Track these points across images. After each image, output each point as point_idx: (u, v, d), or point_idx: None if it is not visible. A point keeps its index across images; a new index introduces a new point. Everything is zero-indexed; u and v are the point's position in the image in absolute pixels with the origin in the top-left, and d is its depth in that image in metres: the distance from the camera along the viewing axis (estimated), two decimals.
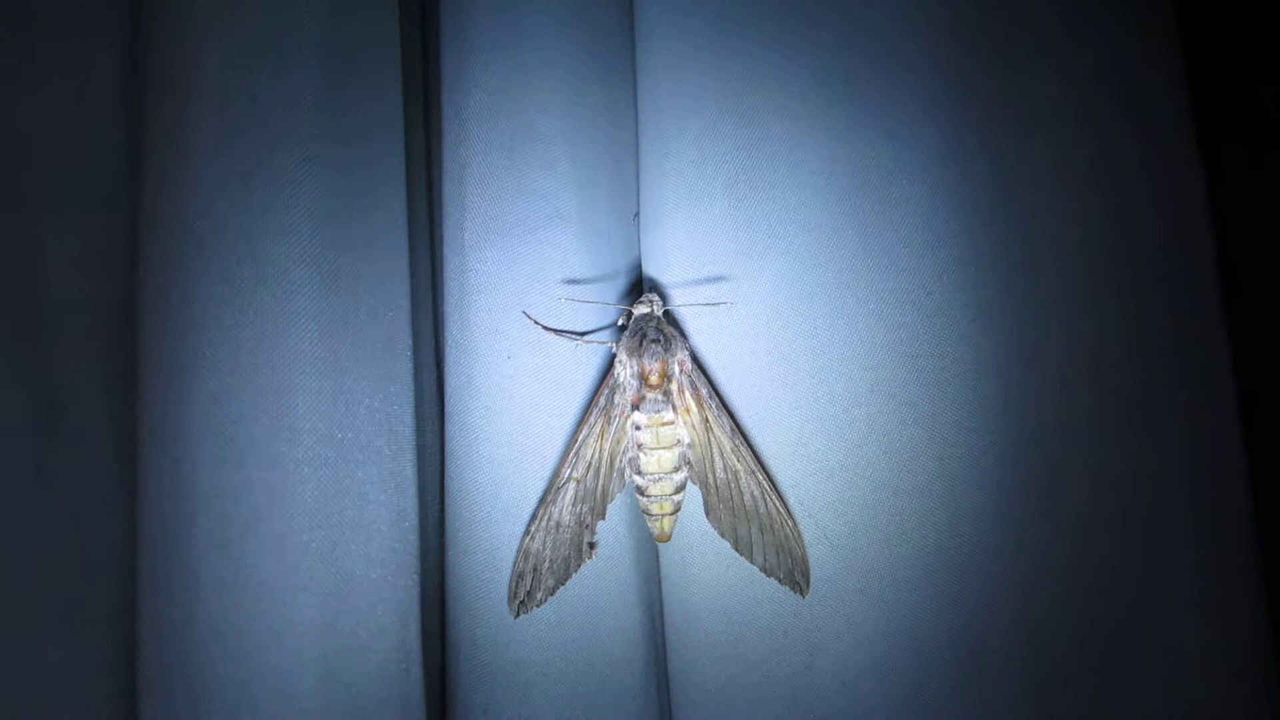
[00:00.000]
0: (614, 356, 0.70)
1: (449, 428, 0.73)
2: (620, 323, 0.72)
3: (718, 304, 0.70)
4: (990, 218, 0.70)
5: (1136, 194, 0.72)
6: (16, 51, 0.72)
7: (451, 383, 0.73)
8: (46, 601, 0.69)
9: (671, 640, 0.72)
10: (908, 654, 0.68)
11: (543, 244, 0.72)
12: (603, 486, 0.70)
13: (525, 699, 0.70)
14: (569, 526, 0.70)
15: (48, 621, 0.69)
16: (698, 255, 0.71)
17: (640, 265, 0.75)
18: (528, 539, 0.70)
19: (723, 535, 0.69)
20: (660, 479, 0.69)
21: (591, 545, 0.71)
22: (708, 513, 0.70)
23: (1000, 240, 0.70)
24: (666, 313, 0.71)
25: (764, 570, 0.68)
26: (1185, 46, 0.73)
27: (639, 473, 0.70)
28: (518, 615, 0.70)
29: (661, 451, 0.69)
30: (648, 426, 0.69)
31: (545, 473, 0.71)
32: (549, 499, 0.70)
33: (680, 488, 0.70)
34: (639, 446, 0.70)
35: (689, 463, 0.70)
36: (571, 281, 0.72)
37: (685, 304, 0.71)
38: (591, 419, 0.70)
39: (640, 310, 0.70)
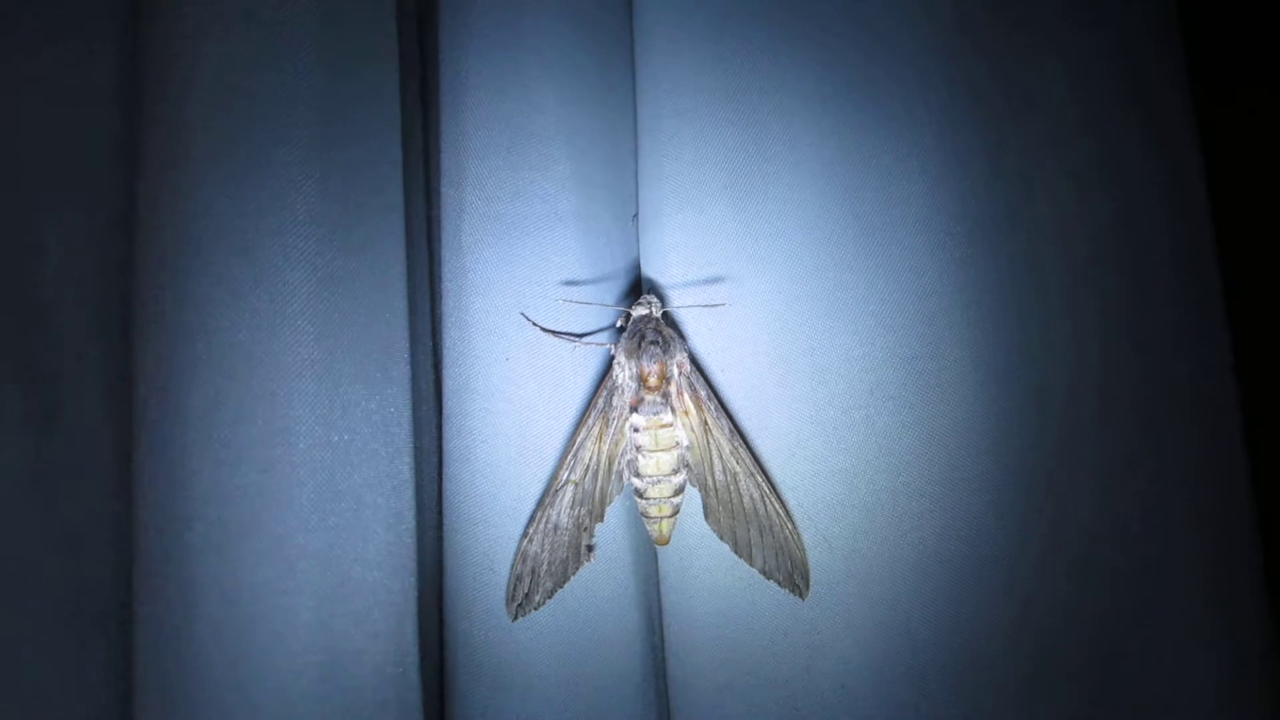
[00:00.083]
0: (612, 358, 0.70)
1: (447, 430, 0.73)
2: (619, 324, 0.72)
3: (716, 305, 0.70)
4: (991, 218, 0.70)
5: (1138, 194, 0.72)
6: (15, 51, 0.72)
7: (449, 384, 0.73)
8: (42, 603, 0.69)
9: (670, 643, 0.72)
10: (907, 656, 0.67)
11: (541, 245, 0.72)
12: (601, 489, 0.70)
13: (523, 702, 0.69)
14: (567, 529, 0.70)
15: (44, 624, 0.69)
16: (696, 256, 0.71)
17: (639, 266, 0.75)
18: (525, 541, 0.69)
19: (721, 538, 0.69)
20: (659, 481, 0.69)
21: (590, 548, 0.70)
22: (706, 515, 0.69)
23: (1001, 241, 0.70)
24: (665, 314, 0.71)
25: (763, 572, 0.68)
26: (1187, 44, 0.73)
27: (637, 475, 0.70)
28: (515, 618, 0.69)
29: (660, 454, 0.69)
30: (646, 429, 0.69)
31: (543, 475, 0.71)
32: (547, 501, 0.70)
33: (679, 490, 0.70)
34: (637, 449, 0.69)
35: (688, 465, 0.70)
36: (570, 283, 0.72)
37: (684, 305, 0.71)
38: (590, 421, 0.70)
39: (639, 312, 0.70)
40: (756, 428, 0.70)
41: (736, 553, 0.69)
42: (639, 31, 0.73)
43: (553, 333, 0.71)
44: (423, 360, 0.74)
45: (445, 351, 0.74)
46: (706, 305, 0.70)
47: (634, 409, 0.69)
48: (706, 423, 0.69)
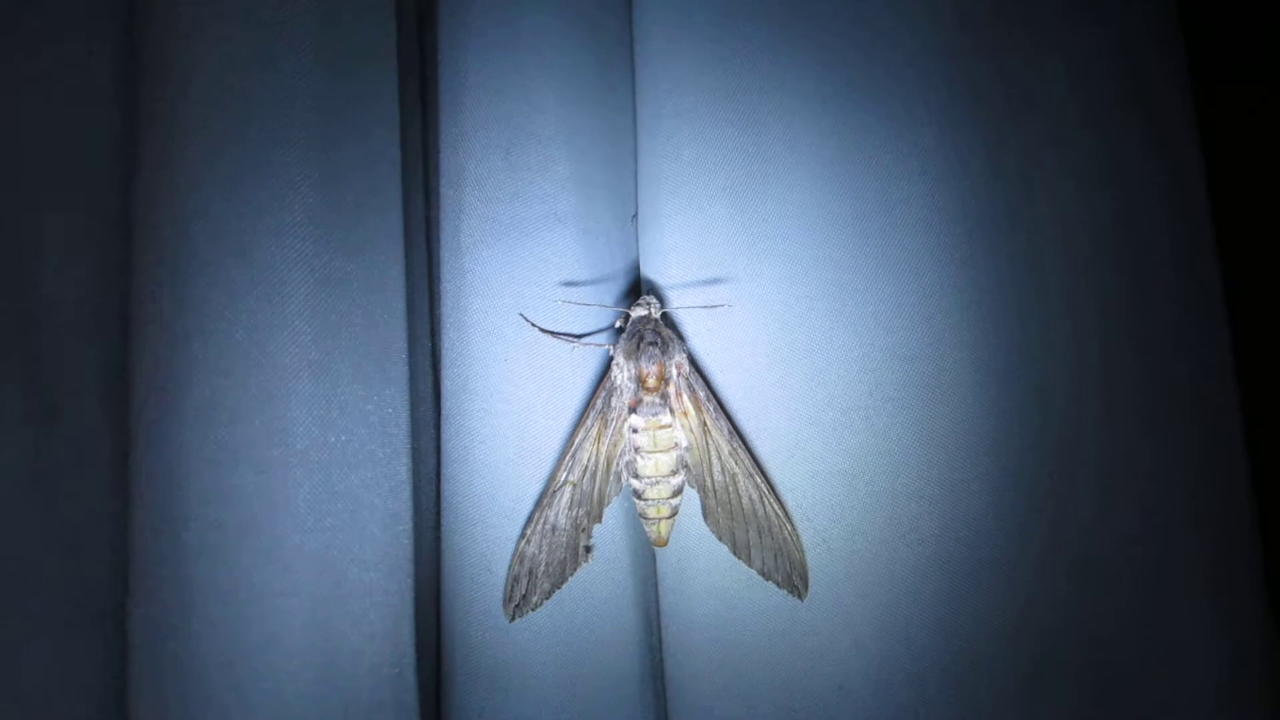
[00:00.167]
0: (611, 359, 0.70)
1: (445, 430, 0.73)
2: (618, 325, 0.71)
3: (716, 306, 0.70)
4: (991, 218, 0.70)
5: (1138, 193, 0.71)
6: (13, 51, 0.72)
7: (448, 385, 0.73)
8: (39, 603, 0.69)
9: (668, 644, 0.72)
10: (905, 658, 0.67)
11: (540, 246, 0.72)
12: (599, 490, 0.70)
13: (520, 703, 0.69)
14: (565, 530, 0.70)
15: (40, 624, 0.69)
16: (696, 257, 0.71)
17: (638, 267, 0.74)
18: (523, 542, 0.69)
19: (720, 539, 0.69)
20: (657, 482, 0.69)
21: (588, 549, 0.70)
22: (705, 516, 0.69)
23: (1001, 241, 0.70)
24: (664, 315, 0.70)
25: (762, 573, 0.68)
26: (1187, 44, 0.73)
27: (636, 476, 0.69)
28: (513, 619, 0.69)
29: (659, 455, 0.69)
30: (645, 429, 0.69)
31: (541, 476, 0.71)
32: (545, 502, 0.69)
33: (677, 491, 0.70)
34: (636, 450, 0.69)
35: (686, 466, 0.70)
36: (569, 283, 0.72)
37: (683, 306, 0.71)
38: (588, 422, 0.70)
39: (638, 312, 0.69)
40: (755, 429, 0.70)
41: (735, 554, 0.69)
42: (639, 31, 0.73)
43: (551, 333, 0.71)
44: (421, 361, 0.74)
45: (444, 352, 0.74)
46: (705, 306, 0.70)
47: (633, 410, 0.69)
48: (705, 424, 0.69)
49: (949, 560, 0.68)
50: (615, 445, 0.70)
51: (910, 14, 0.71)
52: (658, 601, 0.73)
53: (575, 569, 0.70)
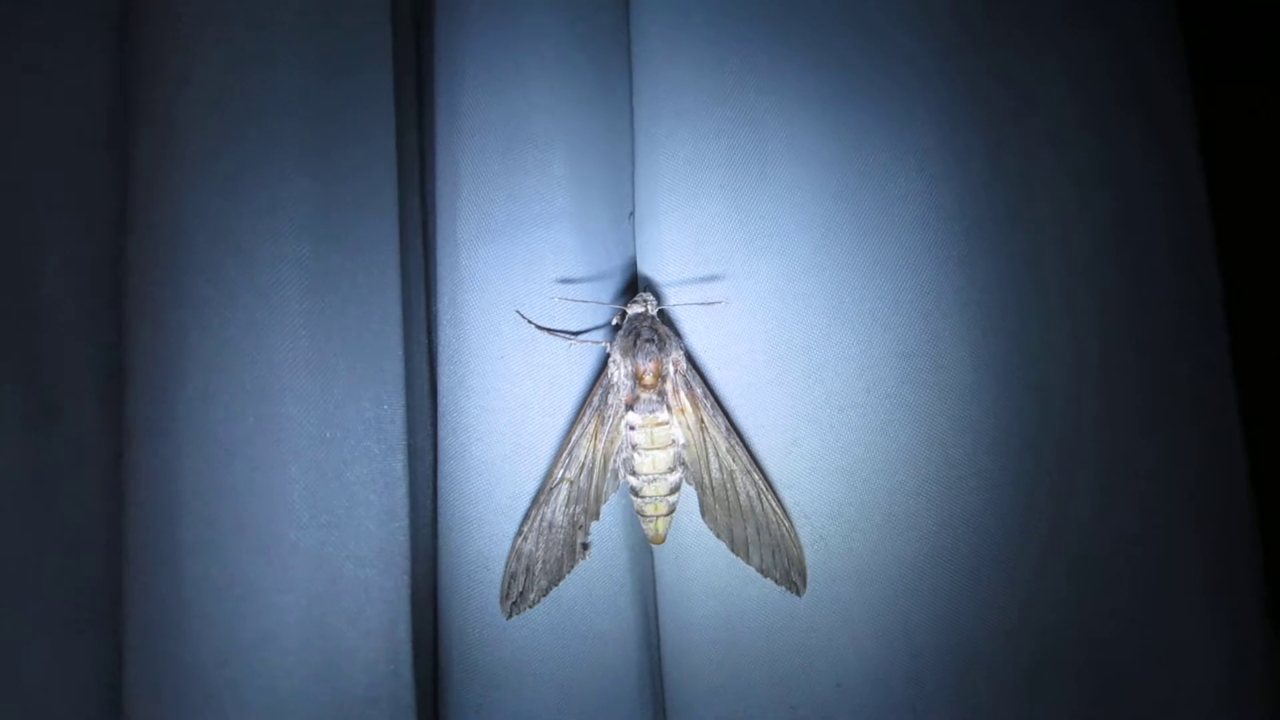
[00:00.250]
0: (608, 356, 0.70)
1: (442, 427, 0.73)
2: (614, 322, 0.71)
3: (713, 303, 0.70)
4: (989, 216, 0.70)
5: (1138, 193, 0.71)
6: (10, 52, 0.72)
7: (444, 382, 0.73)
8: (35, 601, 0.69)
9: (666, 641, 0.71)
10: (904, 656, 0.67)
11: (536, 243, 0.72)
12: (596, 487, 0.70)
13: (517, 701, 0.69)
14: (562, 527, 0.69)
15: (36, 622, 0.69)
16: (693, 254, 0.71)
17: (635, 264, 0.74)
18: (520, 539, 0.69)
19: (718, 536, 0.69)
20: (655, 479, 0.69)
21: (585, 546, 0.70)
22: (703, 513, 0.69)
23: (1000, 238, 0.69)
24: (661, 312, 0.70)
25: (760, 570, 0.68)
26: (1187, 44, 0.73)
27: (633, 473, 0.69)
28: (510, 616, 0.69)
29: (656, 452, 0.69)
30: (642, 427, 0.69)
31: (538, 473, 0.71)
32: (542, 499, 0.69)
33: (675, 488, 0.70)
34: (633, 447, 0.69)
35: (684, 463, 0.70)
36: (565, 281, 0.72)
37: (680, 303, 0.71)
38: (585, 419, 0.69)
39: (634, 309, 0.69)
40: (753, 425, 0.70)
41: (733, 551, 0.68)
42: (636, 30, 0.73)
43: (548, 331, 0.71)
44: (418, 358, 0.73)
45: (440, 349, 0.74)
46: (703, 303, 0.70)
47: (630, 407, 0.69)
48: (703, 421, 0.69)
49: (947, 557, 0.67)
50: (612, 442, 0.70)
51: (908, 10, 0.71)
52: (655, 599, 0.73)
53: (572, 566, 0.70)
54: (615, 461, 0.70)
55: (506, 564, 0.69)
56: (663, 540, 0.70)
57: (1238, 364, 0.71)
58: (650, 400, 0.69)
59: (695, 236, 0.70)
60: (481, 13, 0.74)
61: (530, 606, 0.69)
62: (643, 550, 0.73)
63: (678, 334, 0.70)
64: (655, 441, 0.69)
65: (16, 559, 0.68)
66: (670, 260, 0.71)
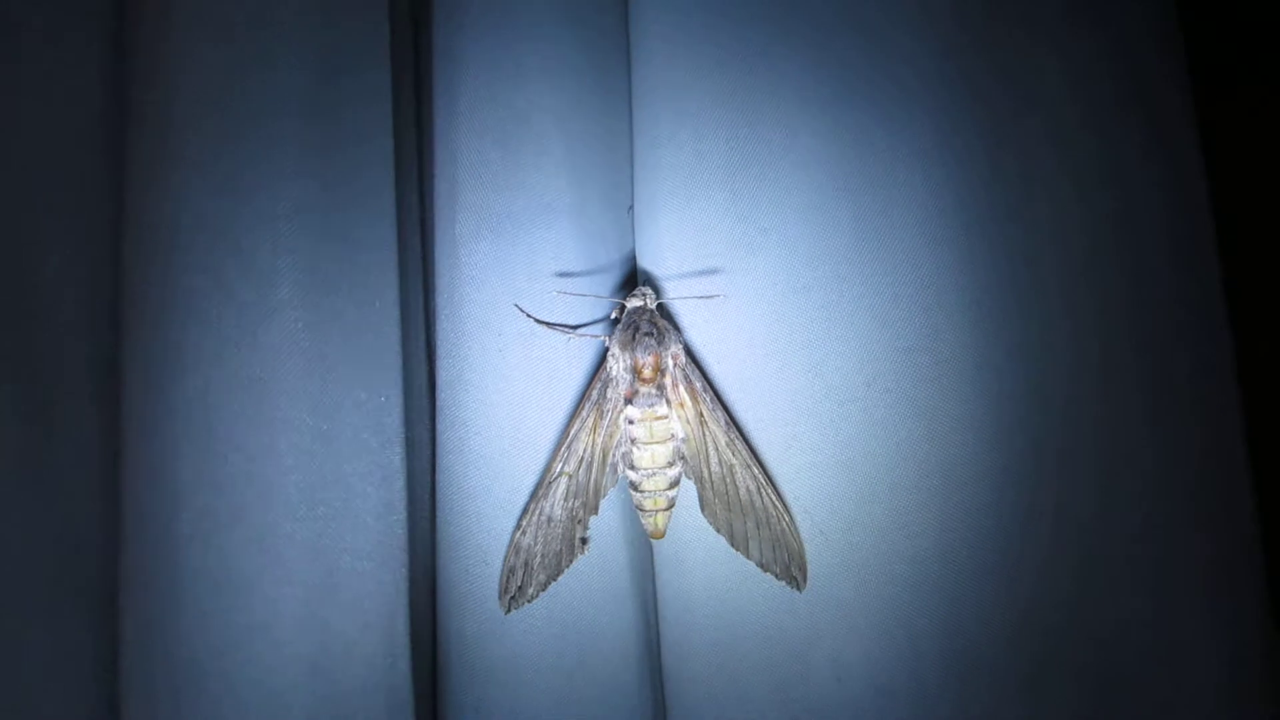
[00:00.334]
0: (607, 350, 0.69)
1: (440, 421, 0.73)
2: (613, 316, 0.71)
3: (712, 297, 0.70)
4: (989, 210, 0.70)
5: (1139, 193, 0.71)
6: (9, 52, 0.72)
7: (443, 376, 0.73)
8: (32, 595, 0.69)
9: (665, 636, 0.71)
10: (903, 650, 0.67)
11: (535, 236, 0.72)
12: (595, 481, 0.69)
13: (516, 695, 0.69)
14: (561, 521, 0.69)
15: (32, 616, 0.68)
16: (692, 248, 0.70)
17: (634, 258, 0.74)
18: (519, 534, 0.69)
19: (718, 530, 0.68)
20: (654, 474, 0.69)
21: (584, 540, 0.70)
22: (702, 508, 0.69)
23: (999, 233, 0.69)
24: (660, 306, 0.70)
25: (760, 565, 0.68)
26: (1187, 44, 0.73)
27: (632, 468, 0.69)
28: (509, 611, 0.69)
29: (655, 446, 0.69)
30: (641, 421, 0.68)
31: (537, 467, 0.71)
32: (540, 493, 0.69)
33: (674, 483, 0.69)
34: (632, 441, 0.69)
35: (683, 457, 0.69)
36: (564, 274, 0.72)
37: (679, 297, 0.71)
38: (584, 413, 0.69)
39: (633, 303, 0.69)
40: (752, 420, 0.70)
41: (733, 545, 0.68)
42: (635, 21, 0.73)
43: (547, 324, 0.71)
44: (416, 352, 0.73)
45: (439, 343, 0.73)
46: (702, 297, 0.70)
47: (629, 401, 0.69)
48: (702, 415, 0.69)
49: (948, 552, 0.67)
50: (611, 436, 0.70)
51: (909, 13, 0.71)
52: (655, 593, 0.72)
53: (571, 561, 0.69)
54: (614, 456, 0.70)
55: (505, 558, 0.69)
56: (662, 535, 0.70)
57: (1238, 363, 0.71)
58: (649, 394, 0.68)
59: (694, 231, 0.70)
60: (481, 13, 0.74)
61: (529, 601, 0.69)
62: (642, 545, 0.73)
63: (677, 328, 0.70)
64: (654, 436, 0.68)
65: (14, 553, 0.68)
66: (669, 254, 0.71)
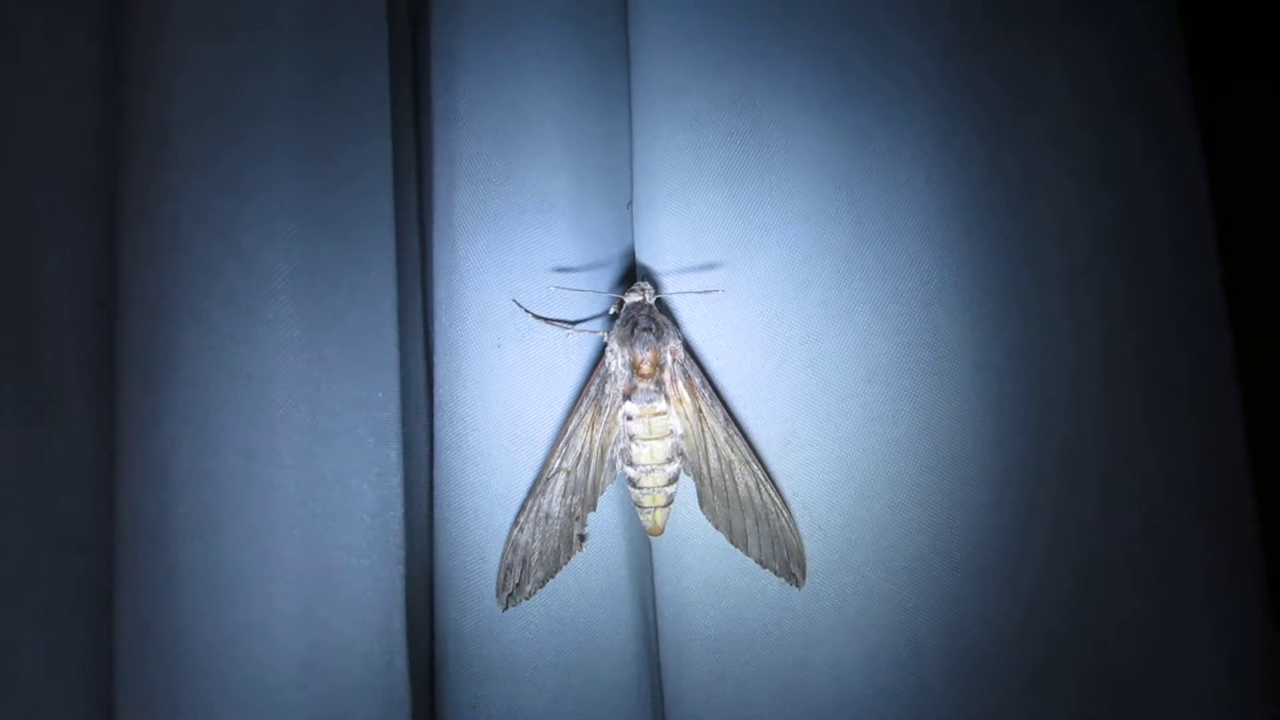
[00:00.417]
0: (605, 345, 0.69)
1: (438, 417, 0.73)
2: (612, 311, 0.71)
3: (711, 292, 0.70)
4: (989, 206, 0.70)
5: (1139, 193, 0.71)
6: (9, 52, 0.72)
7: (440, 372, 0.73)
8: (28, 592, 0.68)
9: (664, 633, 0.71)
10: (902, 647, 0.66)
11: (533, 231, 0.72)
12: (593, 478, 0.69)
13: (514, 693, 0.69)
14: (559, 518, 0.69)
15: (27, 613, 0.68)
16: (691, 243, 0.70)
17: (633, 253, 0.74)
18: (516, 530, 0.69)
19: (717, 527, 0.68)
20: (653, 470, 0.68)
21: (582, 537, 0.70)
22: (701, 504, 0.69)
23: (999, 229, 0.69)
24: (659, 301, 0.70)
25: (759, 562, 0.67)
26: (1187, 44, 0.73)
27: (631, 464, 0.69)
28: (506, 608, 0.69)
29: (654, 442, 0.68)
30: (640, 417, 0.68)
31: (535, 463, 0.70)
32: (538, 490, 0.69)
33: (673, 479, 0.69)
34: (631, 437, 0.69)
35: (682, 454, 0.69)
36: (562, 270, 0.72)
37: (678, 292, 0.70)
38: (582, 409, 0.69)
39: (632, 298, 0.69)
40: (751, 415, 0.70)
41: (732, 542, 0.68)
42: (634, 16, 0.73)
43: (545, 320, 0.71)
44: (413, 347, 0.73)
45: (437, 339, 0.73)
46: (701, 292, 0.70)
47: (627, 397, 0.69)
48: (701, 410, 0.68)
49: (947, 548, 0.67)
50: (610, 432, 0.69)
51: (909, 13, 0.71)
52: (653, 590, 0.72)
53: (569, 558, 0.69)
54: (613, 452, 0.70)
55: (502, 555, 0.69)
56: (660, 531, 0.69)
57: (1239, 364, 0.71)
58: (648, 390, 0.68)
59: (694, 226, 0.70)
60: (480, 13, 0.74)
61: (527, 598, 0.69)
62: (640, 541, 0.73)
63: (676, 323, 0.70)
64: (653, 432, 0.68)
65: (12, 552, 0.68)
66: (668, 249, 0.71)
